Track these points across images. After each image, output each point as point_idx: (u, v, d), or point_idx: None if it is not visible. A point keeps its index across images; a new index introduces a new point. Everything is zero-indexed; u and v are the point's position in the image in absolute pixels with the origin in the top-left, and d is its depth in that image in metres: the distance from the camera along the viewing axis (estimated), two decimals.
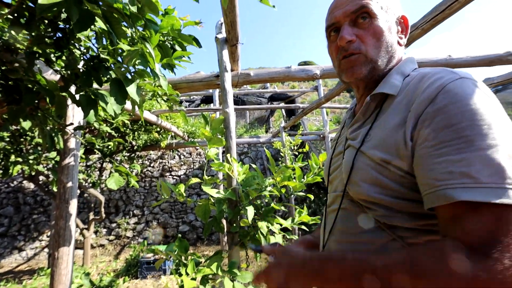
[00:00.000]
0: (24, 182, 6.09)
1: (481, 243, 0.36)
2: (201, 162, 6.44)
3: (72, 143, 1.77)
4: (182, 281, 0.96)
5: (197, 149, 6.61)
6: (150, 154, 6.46)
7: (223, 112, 1.49)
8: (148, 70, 1.26)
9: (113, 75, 1.22)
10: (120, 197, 5.97)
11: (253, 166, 1.36)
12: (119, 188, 6.02)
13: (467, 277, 0.35)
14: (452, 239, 0.38)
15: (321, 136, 5.24)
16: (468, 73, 0.46)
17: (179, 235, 1.23)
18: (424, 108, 0.44)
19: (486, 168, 0.37)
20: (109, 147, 2.44)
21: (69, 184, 1.72)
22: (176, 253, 1.13)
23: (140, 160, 6.21)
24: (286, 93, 7.35)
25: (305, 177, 1.35)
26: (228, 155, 1.28)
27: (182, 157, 6.53)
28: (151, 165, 6.37)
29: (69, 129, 1.65)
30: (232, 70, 2.01)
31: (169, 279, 3.56)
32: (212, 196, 1.25)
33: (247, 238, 1.24)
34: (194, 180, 1.38)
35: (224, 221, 1.34)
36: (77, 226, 3.97)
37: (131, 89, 1.09)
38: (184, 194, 1.37)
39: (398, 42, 0.58)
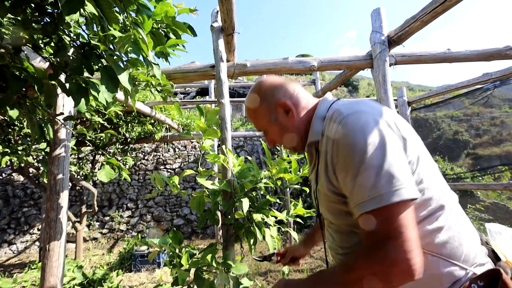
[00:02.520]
0: (14, 174, 5.97)
1: (372, 240, 0.55)
2: (196, 155, 6.40)
3: (62, 134, 1.72)
4: (176, 272, 0.95)
5: (192, 142, 6.55)
6: (144, 147, 6.38)
7: (218, 103, 1.46)
8: (141, 59, 1.21)
9: (105, 63, 1.18)
10: (113, 190, 5.90)
11: (249, 158, 1.34)
12: (112, 181, 5.94)
13: (363, 266, 0.55)
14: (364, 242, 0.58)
15: None
16: (362, 105, 0.62)
17: (174, 228, 1.21)
18: (331, 149, 0.62)
19: (366, 190, 0.55)
20: (101, 138, 2.38)
21: (60, 175, 1.67)
22: (170, 245, 1.11)
23: (134, 153, 6.13)
24: None
25: (301, 170, 1.34)
26: (224, 146, 1.25)
27: (177, 150, 6.47)
28: (145, 158, 6.30)
29: (59, 119, 1.59)
30: (228, 61, 1.97)
31: (163, 272, 3.56)
32: (207, 188, 1.23)
33: (242, 230, 1.23)
34: (189, 172, 1.36)
35: (219, 213, 1.32)
36: (69, 219, 3.92)
37: (123, 77, 1.05)
38: (178, 186, 1.35)
39: (292, 115, 0.74)
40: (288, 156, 1.33)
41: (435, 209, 0.63)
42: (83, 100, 1.21)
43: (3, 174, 6.02)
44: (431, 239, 0.62)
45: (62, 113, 1.56)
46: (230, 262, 1.11)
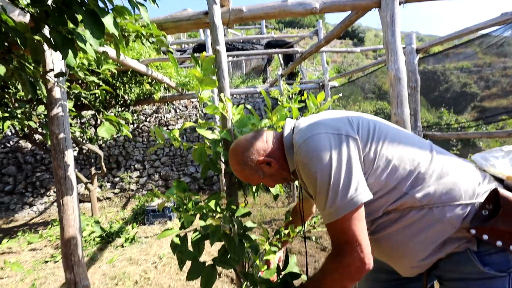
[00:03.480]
0: (21, 142, 6.07)
1: (334, 246, 0.72)
2: (197, 116, 6.37)
3: (57, 93, 1.68)
4: (182, 217, 1.00)
5: (192, 102, 6.46)
6: (145, 109, 6.33)
7: (213, 51, 1.38)
8: (127, 5, 1.11)
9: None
10: (119, 153, 6.04)
11: (248, 107, 1.31)
12: (117, 144, 6.04)
13: (332, 269, 0.71)
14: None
15: (321, 84, 5.08)
16: (314, 127, 0.75)
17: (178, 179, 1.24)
18: (299, 175, 0.78)
19: (321, 208, 0.70)
20: (96, 95, 2.33)
21: (62, 135, 1.68)
22: (175, 194, 1.15)
23: (135, 115, 6.11)
24: (284, 39, 6.89)
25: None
26: (222, 95, 1.21)
27: (178, 110, 6.42)
28: (147, 120, 6.29)
29: (51, 77, 1.54)
30: (222, 6, 1.81)
31: (174, 224, 3.82)
32: (207, 139, 1.22)
33: None
34: (188, 124, 1.34)
35: (222, 164, 1.34)
36: (81, 181, 4.09)
37: (108, 21, 0.97)
38: (179, 139, 1.35)
39: (274, 164, 0.85)
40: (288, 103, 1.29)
41: (416, 173, 0.70)
42: (70, 53, 1.15)
43: (11, 142, 6.13)
44: (427, 196, 0.69)
45: (52, 70, 1.50)
46: (234, 207, 1.16)
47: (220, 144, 1.29)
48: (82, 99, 1.87)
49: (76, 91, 1.81)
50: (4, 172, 5.99)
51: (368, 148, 0.71)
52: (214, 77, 1.34)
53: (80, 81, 2.93)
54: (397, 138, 0.75)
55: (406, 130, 0.83)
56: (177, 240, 1.05)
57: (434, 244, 0.70)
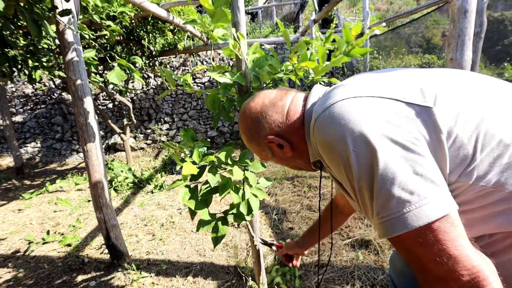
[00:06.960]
0: (63, 94, 6.47)
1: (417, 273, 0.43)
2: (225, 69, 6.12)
3: (69, 36, 1.60)
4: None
5: (219, 54, 6.18)
6: (172, 61, 6.22)
7: None
8: None
9: None
10: (150, 106, 6.20)
11: (267, 46, 1.11)
12: (147, 97, 6.17)
13: None
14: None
15: (360, 33, 4.44)
16: (347, 90, 0.49)
17: (208, 139, 1.16)
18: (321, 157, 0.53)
19: (372, 211, 0.44)
20: (106, 37, 2.22)
21: (79, 81, 1.64)
22: (183, 143, 1.07)
23: (161, 67, 6.06)
24: None
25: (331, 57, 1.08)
26: (234, 30, 1.02)
27: (205, 63, 6.22)
28: (174, 72, 6.23)
29: (58, 17, 1.44)
30: None
31: None
32: (219, 83, 1.08)
33: None
34: (200, 67, 1.20)
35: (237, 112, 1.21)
36: (114, 131, 4.32)
37: None
38: (192, 85, 1.22)
39: (287, 149, 0.62)
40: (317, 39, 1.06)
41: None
42: None
43: (55, 94, 6.57)
44: None
45: (56, 7, 1.39)
46: (247, 161, 1.06)
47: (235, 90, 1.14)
48: (90, 41, 1.76)
49: (85, 33, 1.71)
50: (53, 121, 6.57)
51: (456, 130, 0.43)
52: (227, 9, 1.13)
53: (101, 32, 2.83)
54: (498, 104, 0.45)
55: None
56: (184, 192, 1.00)
57: None
